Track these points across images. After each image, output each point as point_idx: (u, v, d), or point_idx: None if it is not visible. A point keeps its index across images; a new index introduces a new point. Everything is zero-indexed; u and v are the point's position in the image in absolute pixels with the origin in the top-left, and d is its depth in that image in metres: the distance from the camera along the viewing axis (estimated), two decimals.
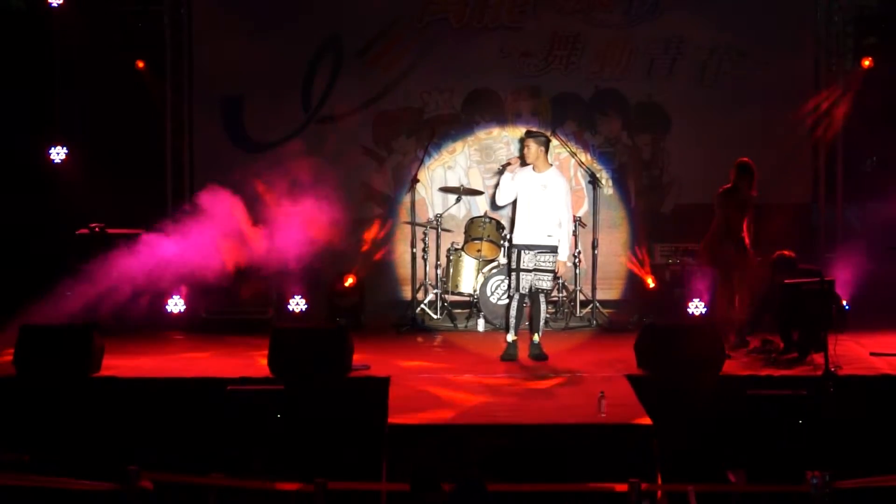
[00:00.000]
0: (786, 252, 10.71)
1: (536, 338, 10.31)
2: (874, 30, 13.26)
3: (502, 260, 11.85)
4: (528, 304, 10.48)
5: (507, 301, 10.75)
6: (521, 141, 10.71)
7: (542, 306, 10.30)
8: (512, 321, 10.34)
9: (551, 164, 10.44)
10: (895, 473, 7.35)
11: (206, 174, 13.45)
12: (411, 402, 8.90)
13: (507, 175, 10.32)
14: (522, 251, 10.17)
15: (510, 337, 10.35)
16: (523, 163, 10.40)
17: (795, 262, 10.63)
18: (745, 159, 10.88)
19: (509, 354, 10.31)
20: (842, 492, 6.83)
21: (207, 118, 13.56)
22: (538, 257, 10.16)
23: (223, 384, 9.24)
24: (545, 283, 10.23)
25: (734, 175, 10.82)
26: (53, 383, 9.51)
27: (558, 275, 10.61)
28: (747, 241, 10.81)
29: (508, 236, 11.38)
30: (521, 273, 10.16)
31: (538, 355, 10.26)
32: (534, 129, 10.72)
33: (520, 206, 10.28)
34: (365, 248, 13.25)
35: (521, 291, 10.22)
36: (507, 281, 11.09)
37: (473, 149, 13.67)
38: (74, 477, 7.21)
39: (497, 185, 10.61)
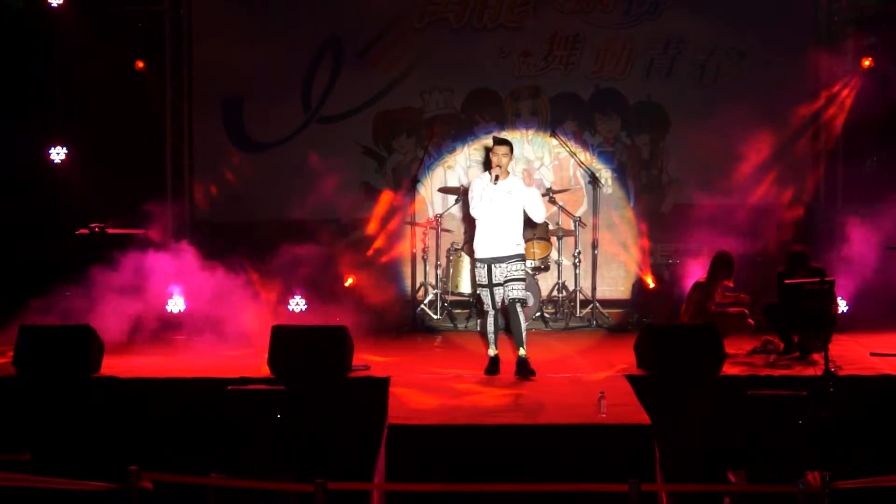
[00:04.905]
0: (797, 247, 10.66)
1: (522, 351, 9.68)
2: (874, 30, 13.24)
3: None
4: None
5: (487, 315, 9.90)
6: (493, 148, 9.66)
7: (521, 316, 9.62)
8: (491, 336, 9.83)
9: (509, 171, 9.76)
10: (895, 473, 7.34)
11: (205, 174, 13.50)
12: (411, 403, 8.90)
13: (490, 186, 9.56)
14: (493, 265, 9.64)
15: (492, 352, 9.89)
16: (489, 170, 9.72)
17: (808, 258, 10.57)
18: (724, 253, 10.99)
19: (491, 371, 9.85)
20: (841, 492, 6.82)
21: (207, 118, 13.57)
22: (509, 267, 9.62)
23: (223, 384, 9.23)
24: (517, 292, 9.61)
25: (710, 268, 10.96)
26: (53, 383, 9.51)
27: (531, 272, 9.92)
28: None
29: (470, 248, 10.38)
30: (494, 288, 9.65)
31: (525, 370, 9.66)
32: (499, 136, 9.96)
33: (488, 218, 9.63)
34: (365, 248, 13.25)
35: (497, 307, 9.77)
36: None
37: (473, 149, 13.67)
38: (75, 477, 7.20)
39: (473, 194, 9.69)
